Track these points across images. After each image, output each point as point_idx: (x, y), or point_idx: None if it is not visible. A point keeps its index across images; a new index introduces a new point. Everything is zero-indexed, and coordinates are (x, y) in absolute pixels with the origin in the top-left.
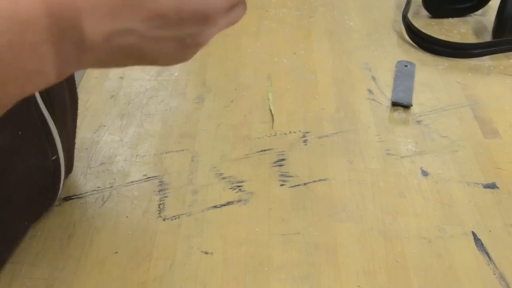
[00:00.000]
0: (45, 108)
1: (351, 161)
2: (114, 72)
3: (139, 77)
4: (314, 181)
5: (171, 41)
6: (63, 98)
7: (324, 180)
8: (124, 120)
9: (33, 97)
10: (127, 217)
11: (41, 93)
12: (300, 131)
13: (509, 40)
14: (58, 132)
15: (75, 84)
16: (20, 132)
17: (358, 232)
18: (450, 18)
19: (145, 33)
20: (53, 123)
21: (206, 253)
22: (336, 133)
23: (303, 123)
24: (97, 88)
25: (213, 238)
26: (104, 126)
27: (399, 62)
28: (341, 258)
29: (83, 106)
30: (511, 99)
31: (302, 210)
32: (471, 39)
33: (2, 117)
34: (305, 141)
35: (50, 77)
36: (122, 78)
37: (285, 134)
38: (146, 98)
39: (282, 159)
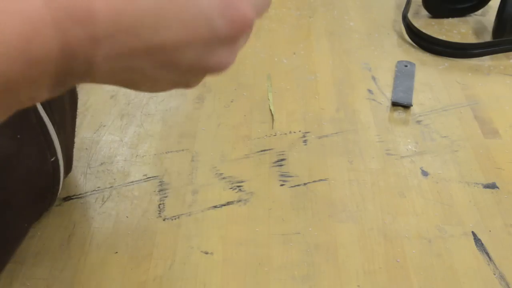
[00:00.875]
0: (43, 111)
1: (351, 161)
2: None
3: None
4: (314, 181)
5: (171, 80)
6: (61, 99)
7: (324, 180)
8: (124, 120)
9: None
10: (127, 217)
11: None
12: (300, 131)
13: (509, 40)
14: (57, 134)
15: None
16: (18, 136)
17: (358, 232)
18: (450, 18)
19: (151, 73)
20: (51, 125)
21: (206, 253)
22: (336, 133)
23: (303, 123)
24: (97, 88)
25: (213, 238)
26: (104, 126)
27: (399, 62)
28: (341, 258)
29: (83, 106)
30: (511, 99)
31: (302, 210)
32: (471, 39)
33: None
34: (305, 141)
35: (40, 98)
36: None
37: (285, 134)
38: (146, 98)
39: (282, 159)
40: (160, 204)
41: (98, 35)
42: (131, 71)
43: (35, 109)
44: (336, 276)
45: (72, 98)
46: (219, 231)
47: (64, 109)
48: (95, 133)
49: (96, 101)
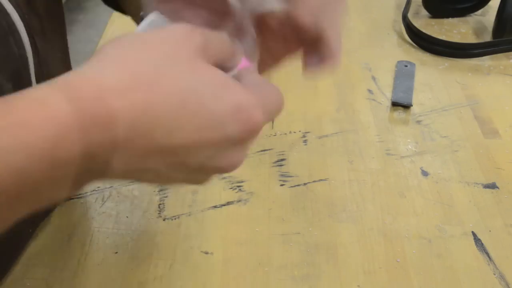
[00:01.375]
0: None
1: (351, 161)
2: None
3: None
4: (314, 181)
5: (183, 179)
6: None
7: (324, 180)
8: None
9: None
10: (127, 217)
11: None
12: (300, 131)
13: (509, 40)
14: None
15: None
16: None
17: (358, 232)
18: (450, 18)
19: (164, 172)
20: None
21: (206, 253)
22: (336, 133)
23: (303, 123)
24: None
25: (213, 238)
26: None
27: (399, 62)
28: (341, 258)
29: None
30: (511, 99)
31: (302, 210)
32: (471, 39)
33: None
34: (305, 141)
35: (59, 198)
36: None
37: (285, 134)
38: None
39: (282, 159)
40: (160, 204)
41: (118, 140)
42: (145, 171)
43: None
44: (336, 276)
45: None
46: (219, 231)
47: None
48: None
49: None
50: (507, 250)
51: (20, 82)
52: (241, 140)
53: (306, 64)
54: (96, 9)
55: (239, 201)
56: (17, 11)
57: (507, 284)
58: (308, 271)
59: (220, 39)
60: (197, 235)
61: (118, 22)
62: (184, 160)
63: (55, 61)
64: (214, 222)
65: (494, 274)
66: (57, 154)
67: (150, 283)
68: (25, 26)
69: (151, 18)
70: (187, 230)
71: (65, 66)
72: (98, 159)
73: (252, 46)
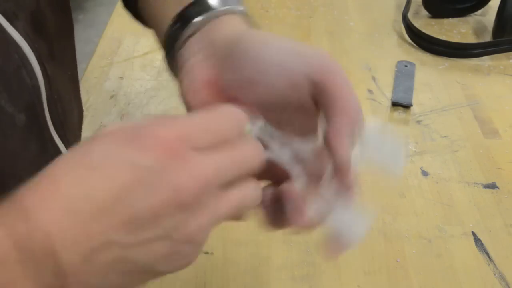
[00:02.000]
0: (59, 140)
1: None
2: (114, 72)
3: (139, 77)
4: None
5: (157, 242)
6: (73, 121)
7: None
8: (124, 120)
9: (48, 131)
10: None
11: (56, 126)
12: None
13: (509, 40)
14: None
15: (80, 97)
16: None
17: None
18: (450, 18)
19: (124, 240)
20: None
21: (206, 253)
22: None
23: None
24: (97, 88)
25: (213, 238)
26: (104, 126)
27: (399, 62)
28: (341, 258)
29: (83, 106)
30: (511, 99)
31: None
32: (471, 39)
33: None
34: None
35: None
36: (122, 78)
37: None
38: (146, 98)
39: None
40: None
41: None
42: (104, 248)
43: (51, 139)
44: (336, 276)
45: (79, 115)
46: (219, 231)
47: (75, 129)
48: (95, 133)
49: (96, 101)
50: (507, 250)
51: (33, 113)
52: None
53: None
54: (96, 9)
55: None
56: (27, 41)
57: (507, 284)
58: (308, 271)
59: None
60: None
61: (118, 22)
62: (130, 216)
63: (64, 82)
64: None
65: (494, 274)
66: None
67: (150, 283)
68: (35, 55)
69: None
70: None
71: (74, 83)
72: (38, 251)
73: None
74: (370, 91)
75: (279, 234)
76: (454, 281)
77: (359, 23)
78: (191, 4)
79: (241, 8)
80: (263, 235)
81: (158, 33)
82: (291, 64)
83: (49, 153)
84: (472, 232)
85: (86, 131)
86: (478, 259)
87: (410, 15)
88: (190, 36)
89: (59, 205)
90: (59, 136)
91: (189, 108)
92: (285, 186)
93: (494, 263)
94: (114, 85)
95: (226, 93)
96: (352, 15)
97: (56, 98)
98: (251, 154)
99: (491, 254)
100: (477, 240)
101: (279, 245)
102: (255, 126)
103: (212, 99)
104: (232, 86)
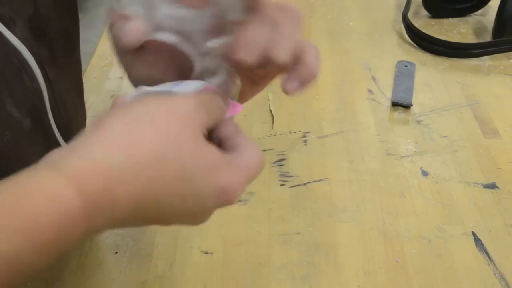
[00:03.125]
0: (64, 143)
1: (351, 161)
2: (114, 72)
3: None
4: (314, 181)
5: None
6: (77, 123)
7: (324, 180)
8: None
9: (53, 135)
10: None
11: (60, 130)
12: (300, 131)
13: (509, 40)
14: None
15: (83, 99)
16: None
17: (358, 232)
18: (450, 18)
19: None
20: None
21: (206, 253)
22: (336, 133)
23: (303, 123)
24: (97, 88)
25: (213, 238)
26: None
27: (399, 62)
28: (341, 258)
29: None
30: (511, 99)
31: (302, 210)
32: (471, 39)
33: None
34: (305, 141)
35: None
36: (122, 78)
37: (285, 134)
38: None
39: (282, 159)
40: None
41: (117, 222)
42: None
43: (56, 142)
44: (336, 276)
45: (83, 118)
46: (219, 231)
47: (79, 132)
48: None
49: (96, 101)
50: (507, 250)
51: (37, 116)
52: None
53: (287, 87)
54: (96, 9)
55: (239, 201)
56: (26, 46)
57: (507, 284)
58: (308, 271)
59: (218, 106)
60: (197, 235)
61: None
62: (162, 223)
63: (67, 86)
64: (214, 222)
65: (494, 274)
66: (64, 238)
67: (150, 283)
68: (35, 59)
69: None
70: (187, 230)
71: (77, 87)
72: (96, 231)
73: (228, 82)
74: (370, 91)
75: (279, 234)
76: (454, 281)
77: (359, 23)
78: None
79: None
80: (263, 235)
81: None
82: None
83: None
84: (472, 232)
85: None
86: (478, 259)
87: (410, 15)
88: None
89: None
90: (64, 140)
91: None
92: None
93: (494, 263)
94: (114, 85)
95: None
96: (352, 15)
97: (59, 102)
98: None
99: (491, 254)
100: (477, 240)
101: (279, 245)
102: None
103: None
104: None
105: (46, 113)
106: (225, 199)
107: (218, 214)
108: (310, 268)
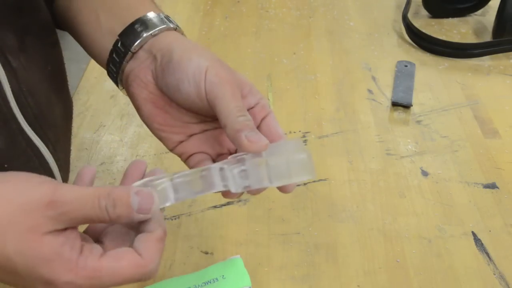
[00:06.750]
0: (33, 132)
1: (351, 161)
2: None
3: None
4: (314, 181)
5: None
6: (53, 115)
7: (324, 180)
8: (124, 120)
9: (17, 124)
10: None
11: (28, 119)
12: (300, 131)
13: (509, 40)
14: (51, 153)
15: (67, 93)
16: (5, 165)
17: (358, 232)
18: (450, 18)
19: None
20: (44, 146)
21: (206, 253)
22: (336, 133)
23: (303, 123)
24: (97, 88)
25: (213, 238)
26: (104, 126)
27: (399, 62)
28: (341, 258)
29: (83, 106)
30: (511, 99)
31: (302, 210)
32: (471, 39)
33: None
34: (305, 141)
35: None
36: None
37: (285, 134)
38: None
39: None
40: None
41: None
42: None
43: (22, 132)
44: (336, 276)
45: (65, 111)
46: (219, 231)
47: (57, 125)
48: (95, 133)
49: (96, 101)
50: (507, 250)
51: None
52: None
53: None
54: None
55: (239, 201)
56: None
57: (507, 284)
58: (308, 271)
59: (79, 207)
60: (197, 235)
61: None
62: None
63: (39, 75)
64: (214, 222)
65: (494, 274)
66: None
67: (150, 283)
68: None
69: None
70: (187, 230)
71: (56, 80)
72: None
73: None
74: (370, 91)
75: (279, 234)
76: (454, 281)
77: (359, 23)
78: (135, 22)
79: (175, 25)
80: (263, 235)
81: (102, 48)
82: (197, 78)
83: (21, 146)
84: (472, 232)
85: (86, 131)
86: (478, 259)
87: (410, 15)
88: (138, 49)
89: None
90: (34, 129)
91: (135, 100)
92: None
93: (494, 263)
94: (114, 85)
95: (162, 91)
96: (352, 15)
97: (26, 91)
98: None
99: (491, 254)
100: (477, 240)
101: (279, 245)
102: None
103: (152, 95)
104: (163, 88)
105: (7, 101)
106: None
107: (218, 214)
108: (310, 268)
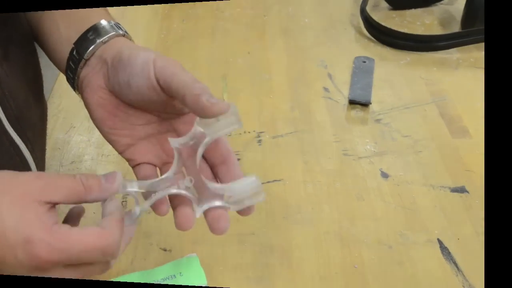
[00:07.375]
0: (14, 132)
1: (306, 162)
2: None
3: None
4: (268, 182)
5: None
6: (32, 115)
7: (278, 180)
8: (91, 122)
9: (1, 126)
10: (94, 213)
11: (10, 121)
12: (254, 131)
13: (479, 30)
14: (30, 152)
15: (43, 96)
16: None
17: (313, 235)
18: (412, 9)
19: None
20: (24, 145)
21: (165, 250)
22: (291, 132)
23: (257, 123)
24: (68, 92)
25: (171, 236)
26: (74, 127)
27: (356, 58)
28: (296, 261)
29: (56, 108)
30: (483, 95)
31: (256, 210)
32: (436, 30)
33: None
34: (259, 141)
35: None
36: None
37: (240, 134)
38: None
39: (237, 159)
40: (123, 201)
41: None
42: None
43: (6, 133)
44: (291, 279)
45: (42, 113)
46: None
47: (35, 126)
48: (66, 133)
49: (68, 104)
50: (478, 260)
51: None
52: (35, 268)
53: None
54: None
55: None
56: None
57: None
58: (262, 273)
59: (60, 178)
60: (157, 232)
61: None
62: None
63: (21, 81)
64: (173, 220)
65: (463, 286)
66: None
67: (113, 277)
68: None
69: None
70: (148, 228)
71: (35, 83)
72: None
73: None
74: (326, 89)
75: (234, 234)
76: None
77: (314, 19)
78: (88, 30)
79: (123, 31)
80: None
81: (61, 56)
82: (146, 69)
83: (4, 146)
84: (438, 239)
85: (59, 132)
86: (445, 269)
87: (369, 8)
88: (90, 56)
89: None
90: (16, 130)
91: (88, 105)
92: None
93: (463, 274)
94: None
95: (114, 93)
96: (307, 11)
97: (8, 95)
98: (98, 271)
99: (460, 264)
100: (443, 248)
101: (234, 245)
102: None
103: (102, 100)
104: (115, 87)
105: None
106: (31, 250)
107: None
108: (264, 270)
